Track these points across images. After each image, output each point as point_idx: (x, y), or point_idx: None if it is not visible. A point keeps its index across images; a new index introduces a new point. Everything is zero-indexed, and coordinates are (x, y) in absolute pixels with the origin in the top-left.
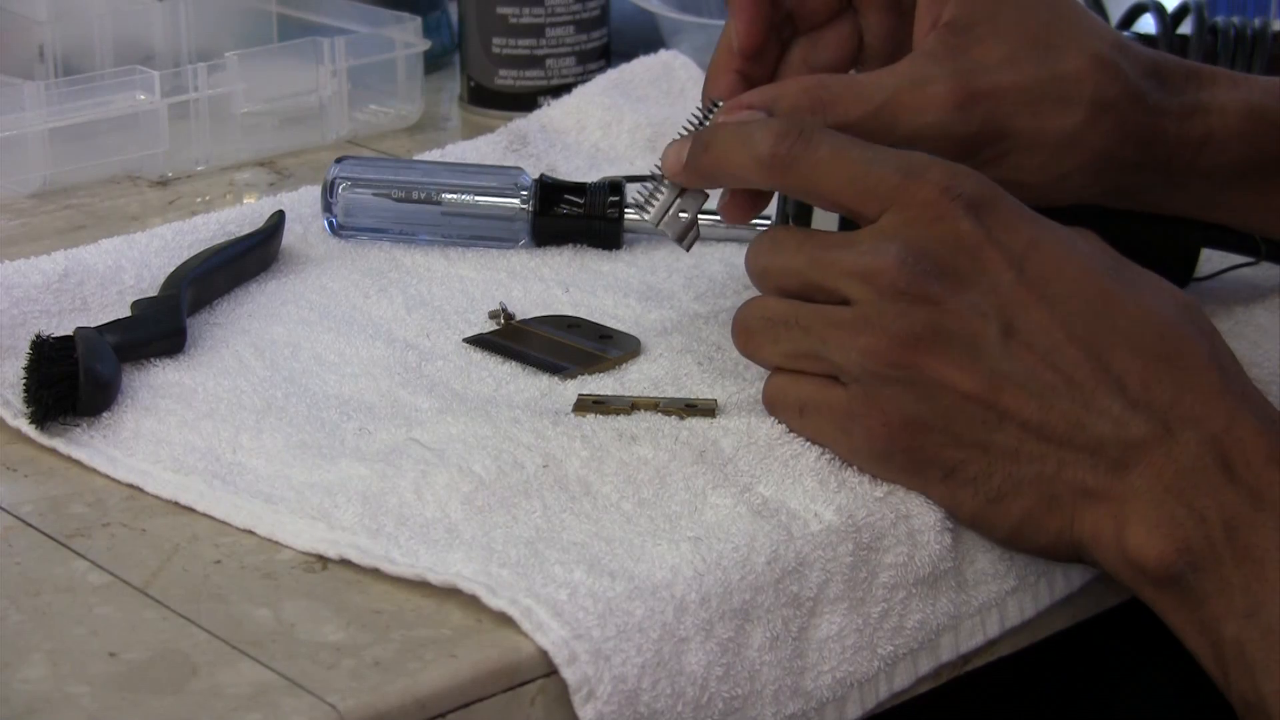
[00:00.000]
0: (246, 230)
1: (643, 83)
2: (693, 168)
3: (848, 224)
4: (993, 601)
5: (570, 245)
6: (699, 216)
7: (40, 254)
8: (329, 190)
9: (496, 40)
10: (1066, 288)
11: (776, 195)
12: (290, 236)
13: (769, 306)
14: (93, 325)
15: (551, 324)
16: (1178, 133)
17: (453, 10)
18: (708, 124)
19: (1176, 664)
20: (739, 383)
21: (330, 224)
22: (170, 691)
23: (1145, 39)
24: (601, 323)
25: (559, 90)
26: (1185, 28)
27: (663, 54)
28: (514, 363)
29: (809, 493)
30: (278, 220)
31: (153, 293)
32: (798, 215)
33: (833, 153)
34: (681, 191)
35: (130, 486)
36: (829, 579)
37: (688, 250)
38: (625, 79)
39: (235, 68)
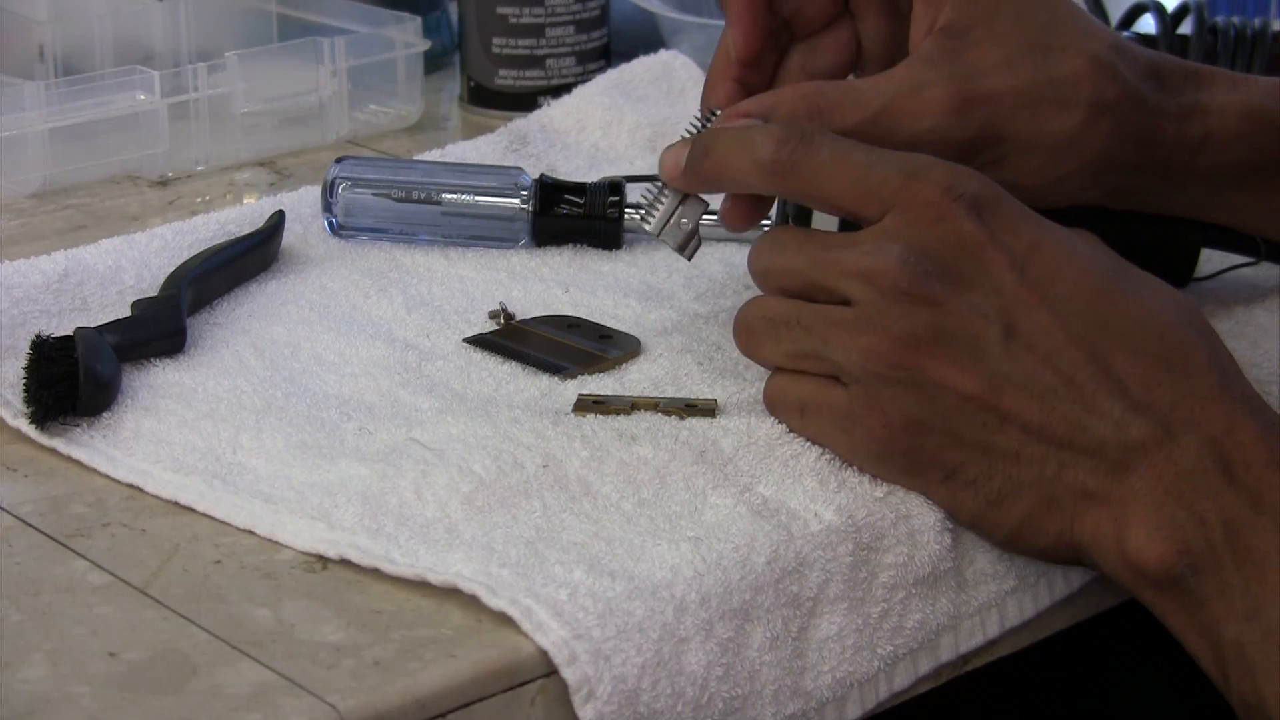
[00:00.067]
0: (246, 230)
1: (643, 83)
2: (693, 173)
3: (848, 225)
4: (992, 602)
5: (570, 245)
6: (700, 224)
7: (40, 254)
8: (329, 190)
9: (496, 40)
10: (1068, 289)
11: (777, 197)
12: (290, 236)
13: (770, 306)
14: (93, 325)
15: (551, 324)
16: (1176, 134)
17: (453, 10)
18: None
19: (1176, 664)
20: (739, 383)
21: (330, 224)
22: (170, 691)
23: (1145, 39)
24: (601, 323)
25: (559, 90)
26: (1185, 28)
27: (663, 54)
28: (514, 363)
29: (809, 493)
30: (278, 220)
31: (153, 293)
32: (798, 216)
33: (834, 156)
34: (682, 200)
35: (130, 486)
36: (829, 579)
37: (689, 259)
38: (625, 79)
39: (235, 68)
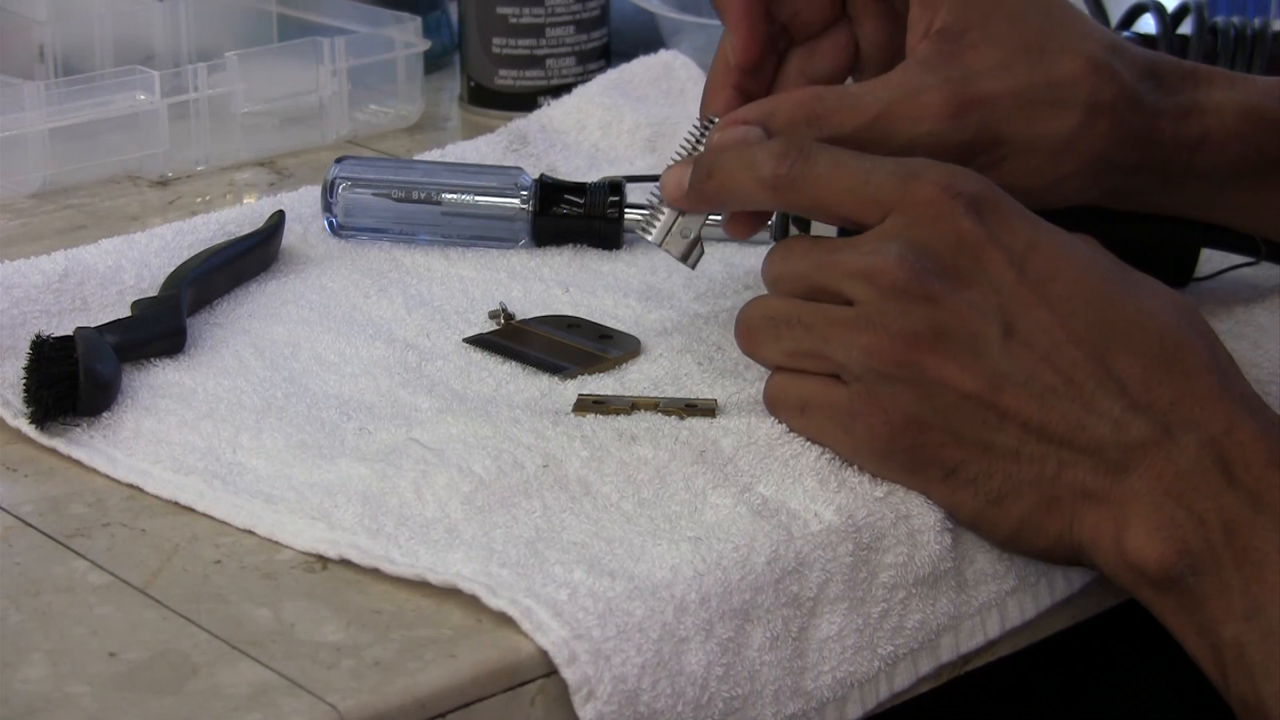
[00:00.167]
0: (246, 230)
1: (643, 83)
2: (696, 194)
3: (847, 233)
4: (993, 602)
5: (570, 245)
6: (702, 232)
7: (40, 254)
8: (329, 190)
9: (496, 40)
10: (1067, 288)
11: None
12: (290, 236)
13: (771, 305)
14: (93, 325)
15: (551, 324)
16: (1174, 133)
17: (453, 10)
18: (704, 140)
19: (1176, 664)
20: (739, 383)
21: (330, 224)
22: (170, 691)
23: (1145, 39)
24: (601, 323)
25: (559, 90)
26: (1185, 28)
27: (663, 54)
28: (514, 363)
29: (809, 493)
30: (278, 220)
31: (153, 293)
32: (798, 220)
33: (831, 166)
34: (682, 212)
35: (130, 486)
36: (829, 579)
37: (693, 269)
38: (625, 79)
39: (235, 68)
